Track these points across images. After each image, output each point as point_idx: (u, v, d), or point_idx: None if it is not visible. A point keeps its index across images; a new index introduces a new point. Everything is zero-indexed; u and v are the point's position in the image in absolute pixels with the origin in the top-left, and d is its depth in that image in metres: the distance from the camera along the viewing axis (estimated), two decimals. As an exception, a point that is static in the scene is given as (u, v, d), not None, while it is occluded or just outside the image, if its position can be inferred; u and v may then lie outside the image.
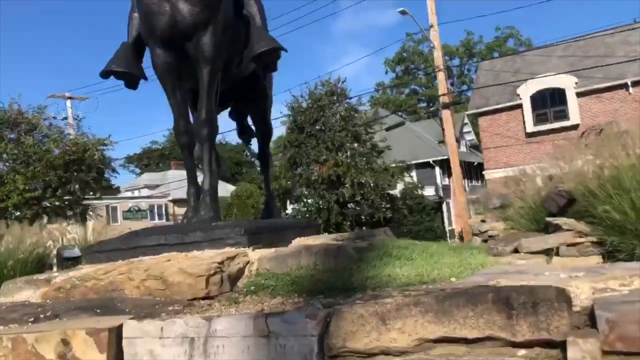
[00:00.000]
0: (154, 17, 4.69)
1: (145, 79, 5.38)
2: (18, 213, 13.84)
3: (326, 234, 6.74)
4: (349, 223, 25.54)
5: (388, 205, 26.99)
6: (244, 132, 6.89)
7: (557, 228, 4.39)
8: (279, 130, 30.99)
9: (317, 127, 26.30)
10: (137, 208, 45.71)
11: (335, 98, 26.81)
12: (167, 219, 45.28)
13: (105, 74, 5.21)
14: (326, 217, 24.92)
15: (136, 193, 49.37)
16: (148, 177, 53.26)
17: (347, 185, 25.25)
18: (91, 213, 16.78)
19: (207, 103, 4.84)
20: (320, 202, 25.57)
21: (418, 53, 55.69)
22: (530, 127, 26.09)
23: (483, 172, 28.63)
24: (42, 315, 3.23)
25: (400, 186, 29.87)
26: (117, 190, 53.87)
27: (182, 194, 35.75)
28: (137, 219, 43.95)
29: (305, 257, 4.02)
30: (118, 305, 3.40)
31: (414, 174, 34.24)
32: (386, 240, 5.22)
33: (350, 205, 26.11)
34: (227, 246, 4.29)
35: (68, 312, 3.25)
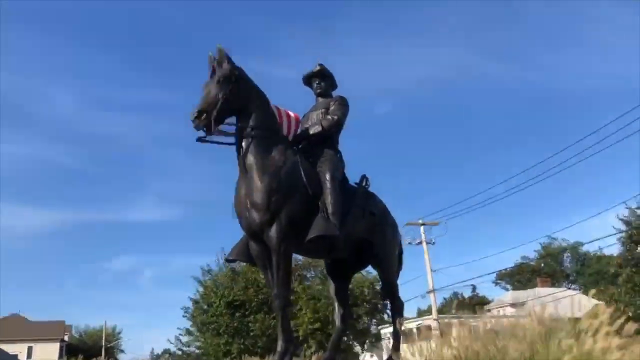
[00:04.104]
0: (240, 219, 6.21)
1: (255, 264, 6.56)
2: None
3: None
4: None
5: None
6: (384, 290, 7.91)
7: None
8: (612, 248, 25.71)
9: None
10: (499, 327, 43.44)
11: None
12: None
13: (227, 261, 6.43)
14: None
15: (501, 312, 47.41)
16: (514, 295, 50.80)
17: None
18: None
19: (276, 281, 5.94)
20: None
21: None
22: None
23: None
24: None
25: None
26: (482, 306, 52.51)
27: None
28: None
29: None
30: None
31: None
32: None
33: None
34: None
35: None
